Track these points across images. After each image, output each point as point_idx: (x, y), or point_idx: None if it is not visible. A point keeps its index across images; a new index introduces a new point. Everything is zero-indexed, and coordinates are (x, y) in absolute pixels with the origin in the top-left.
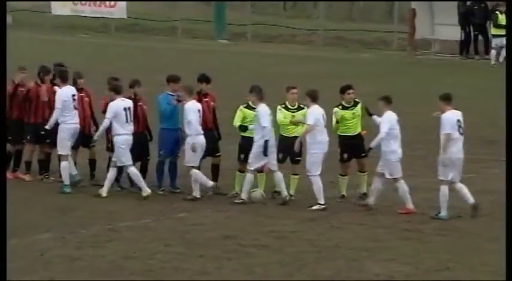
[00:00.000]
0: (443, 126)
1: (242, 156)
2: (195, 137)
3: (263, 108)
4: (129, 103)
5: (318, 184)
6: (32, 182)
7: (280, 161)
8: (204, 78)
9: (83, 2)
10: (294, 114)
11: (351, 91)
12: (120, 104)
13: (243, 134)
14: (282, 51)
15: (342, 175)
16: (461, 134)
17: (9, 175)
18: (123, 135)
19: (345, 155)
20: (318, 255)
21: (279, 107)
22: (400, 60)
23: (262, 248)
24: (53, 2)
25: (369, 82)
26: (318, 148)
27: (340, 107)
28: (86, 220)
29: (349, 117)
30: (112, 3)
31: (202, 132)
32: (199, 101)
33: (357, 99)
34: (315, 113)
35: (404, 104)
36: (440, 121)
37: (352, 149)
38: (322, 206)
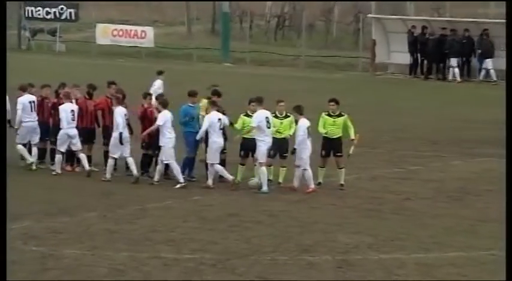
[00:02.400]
0: (255, 121)
1: (242, 153)
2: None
3: (258, 113)
4: (32, 98)
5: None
6: (81, 173)
7: (271, 156)
8: (216, 93)
9: (121, 33)
10: (281, 121)
11: (331, 103)
12: (26, 98)
13: (244, 135)
14: (272, 72)
15: (321, 167)
16: (268, 127)
17: (68, 167)
18: (28, 122)
19: (323, 152)
20: (301, 229)
21: None
22: (364, 79)
23: (258, 224)
24: (97, 34)
25: (340, 96)
26: (307, 148)
27: (326, 113)
28: (122, 202)
29: (330, 123)
30: (142, 34)
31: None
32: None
33: (342, 113)
34: (304, 124)
35: (367, 112)
36: (254, 116)
37: (331, 148)
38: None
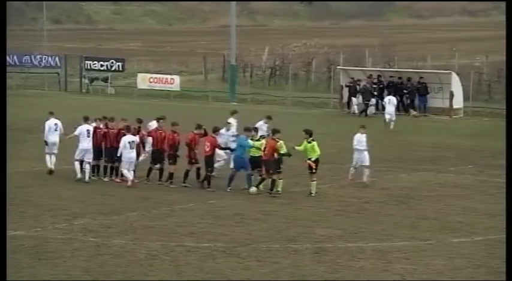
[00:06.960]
0: (76, 131)
1: (251, 166)
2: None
3: (80, 127)
4: (90, 127)
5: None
6: (124, 183)
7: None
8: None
9: (156, 80)
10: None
11: (304, 134)
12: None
13: (252, 153)
14: (268, 109)
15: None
16: (88, 137)
17: (118, 179)
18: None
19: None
20: (288, 224)
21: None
22: (334, 114)
23: (257, 220)
24: (138, 81)
25: (317, 126)
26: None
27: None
28: (156, 204)
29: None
30: (171, 81)
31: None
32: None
33: (313, 138)
34: (127, 139)
35: (336, 138)
36: (77, 129)
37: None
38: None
